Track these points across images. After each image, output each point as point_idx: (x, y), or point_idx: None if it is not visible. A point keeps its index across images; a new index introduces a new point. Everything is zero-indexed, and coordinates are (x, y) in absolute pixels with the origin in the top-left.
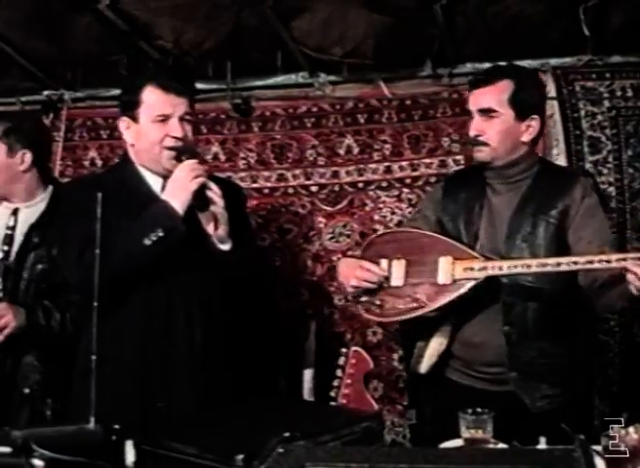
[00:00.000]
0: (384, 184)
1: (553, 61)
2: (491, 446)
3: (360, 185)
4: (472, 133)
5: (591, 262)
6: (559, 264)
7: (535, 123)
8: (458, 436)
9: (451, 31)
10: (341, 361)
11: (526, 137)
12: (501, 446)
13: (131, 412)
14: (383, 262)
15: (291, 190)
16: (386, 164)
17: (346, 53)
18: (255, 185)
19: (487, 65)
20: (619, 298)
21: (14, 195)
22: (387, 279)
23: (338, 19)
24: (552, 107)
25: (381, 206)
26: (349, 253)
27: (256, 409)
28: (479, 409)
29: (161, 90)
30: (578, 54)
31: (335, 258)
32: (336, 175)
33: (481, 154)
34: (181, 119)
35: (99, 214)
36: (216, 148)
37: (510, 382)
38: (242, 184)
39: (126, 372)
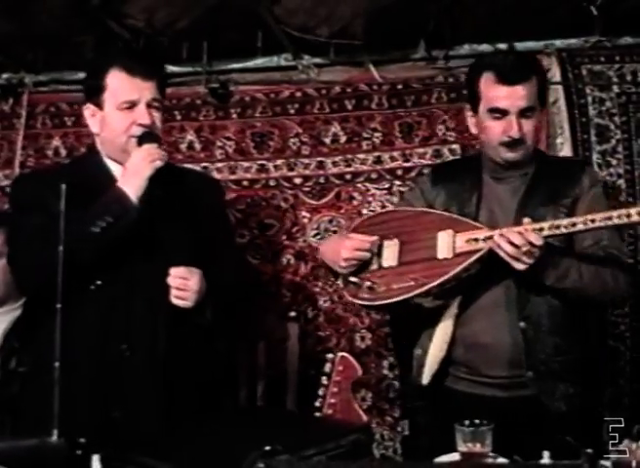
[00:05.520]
0: (374, 176)
1: (558, 43)
2: (489, 460)
3: (347, 177)
4: (517, 134)
5: (610, 218)
6: (574, 224)
7: (545, 111)
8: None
9: (447, 9)
10: (327, 367)
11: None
12: (501, 460)
13: (84, 422)
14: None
15: (272, 182)
16: (376, 154)
17: (333, 33)
18: (233, 177)
19: (485, 47)
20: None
21: None
22: (380, 260)
23: None
24: (557, 93)
25: (371, 199)
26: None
27: (234, 421)
28: (477, 421)
29: (126, 73)
30: (584, 34)
31: (320, 256)
32: (321, 165)
33: (516, 154)
34: (149, 105)
35: (62, 206)
36: (191, 136)
37: (527, 384)
38: (219, 176)
39: (78, 379)
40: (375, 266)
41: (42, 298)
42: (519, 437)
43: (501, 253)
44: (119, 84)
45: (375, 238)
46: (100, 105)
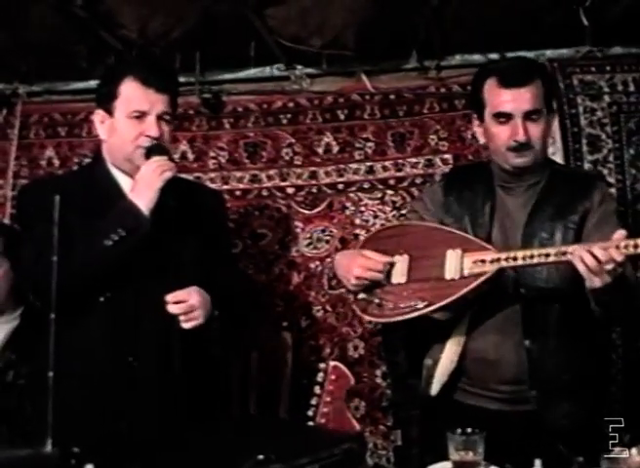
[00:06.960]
0: (366, 186)
1: (549, 53)
2: None
3: (340, 187)
4: (523, 138)
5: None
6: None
7: (554, 117)
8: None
9: (438, 20)
10: (320, 377)
11: (551, 134)
12: None
13: (89, 434)
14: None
15: (265, 192)
16: (369, 164)
17: (326, 43)
18: (226, 187)
19: (477, 57)
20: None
21: None
22: (389, 276)
23: (316, 6)
24: None
25: (363, 209)
26: (330, 258)
27: (227, 430)
28: (469, 429)
29: (140, 83)
30: (576, 45)
31: (312, 266)
32: (314, 175)
33: (525, 160)
34: (159, 118)
35: (56, 217)
36: (184, 147)
37: (531, 401)
38: (212, 186)
39: (85, 389)
40: (384, 282)
41: (43, 309)
42: (525, 451)
43: (581, 268)
44: (132, 93)
45: (387, 259)
46: (110, 112)
